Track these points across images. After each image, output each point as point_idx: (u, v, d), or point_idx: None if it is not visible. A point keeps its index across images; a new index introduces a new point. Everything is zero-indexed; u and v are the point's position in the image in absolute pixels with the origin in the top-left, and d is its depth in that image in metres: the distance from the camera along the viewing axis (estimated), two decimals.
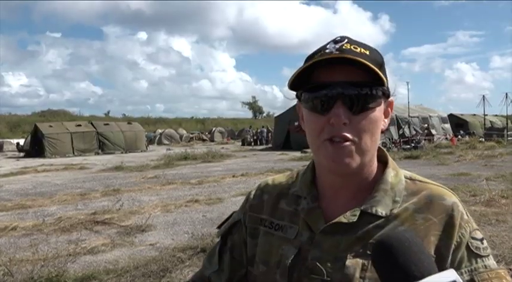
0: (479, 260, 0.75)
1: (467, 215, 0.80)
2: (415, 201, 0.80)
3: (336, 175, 0.82)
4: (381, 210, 0.79)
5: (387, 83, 0.80)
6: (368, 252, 0.75)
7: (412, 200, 0.81)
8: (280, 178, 0.99)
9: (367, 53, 0.77)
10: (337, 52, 0.76)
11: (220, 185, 10.90)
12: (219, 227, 1.02)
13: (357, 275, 0.75)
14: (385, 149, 0.88)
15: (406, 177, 0.85)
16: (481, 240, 0.78)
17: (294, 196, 0.90)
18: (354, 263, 0.76)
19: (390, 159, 0.87)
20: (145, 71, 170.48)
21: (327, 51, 0.77)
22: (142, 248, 5.46)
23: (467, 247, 0.76)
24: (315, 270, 0.79)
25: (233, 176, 12.24)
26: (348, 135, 0.75)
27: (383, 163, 0.87)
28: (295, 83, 0.81)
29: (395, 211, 0.79)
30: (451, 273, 0.51)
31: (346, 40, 0.79)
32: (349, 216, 0.79)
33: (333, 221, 0.80)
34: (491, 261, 0.76)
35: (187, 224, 6.71)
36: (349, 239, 0.78)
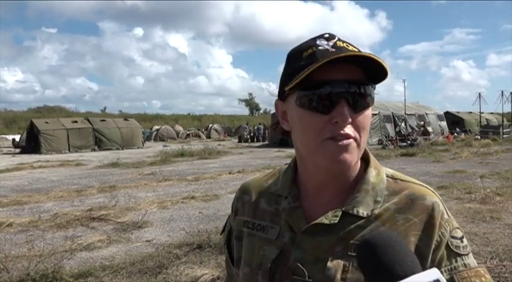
0: (458, 258, 0.75)
1: (447, 214, 0.79)
2: (396, 201, 0.80)
3: (329, 173, 0.81)
4: (362, 211, 0.78)
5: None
6: (349, 253, 0.75)
7: (393, 199, 0.80)
8: (261, 177, 0.97)
9: (356, 50, 0.76)
10: (333, 50, 0.74)
11: (216, 181, 10.91)
12: (222, 233, 1.03)
13: (338, 276, 0.74)
14: (367, 148, 0.87)
15: (388, 176, 0.84)
16: (461, 238, 0.78)
17: (275, 195, 0.89)
18: (335, 264, 0.75)
19: (372, 158, 0.86)
20: (141, 67, 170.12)
21: (321, 48, 0.75)
22: (138, 245, 5.47)
23: (447, 246, 0.76)
24: (296, 272, 0.78)
25: (229, 173, 12.24)
26: (351, 133, 0.75)
27: (365, 161, 0.86)
28: (286, 81, 0.78)
29: (376, 211, 0.79)
30: (434, 272, 0.52)
31: (336, 37, 0.78)
32: (330, 217, 0.78)
33: (314, 222, 0.79)
34: (470, 260, 0.76)
35: (184, 221, 6.72)
36: (330, 239, 0.78)
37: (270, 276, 0.81)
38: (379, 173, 0.84)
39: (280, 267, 0.80)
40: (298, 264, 0.78)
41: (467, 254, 0.76)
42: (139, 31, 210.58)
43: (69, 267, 4.48)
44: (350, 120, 0.74)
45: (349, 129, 0.74)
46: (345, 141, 0.75)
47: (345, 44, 0.76)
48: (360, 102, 0.75)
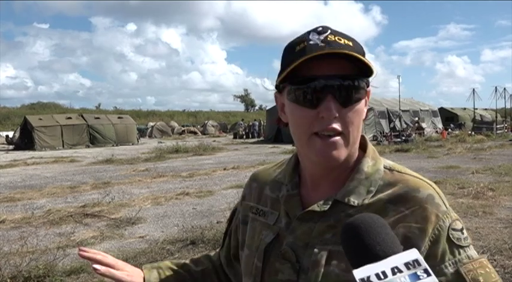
0: (461, 250, 0.74)
1: (445, 206, 0.78)
2: (389, 193, 0.80)
3: (322, 167, 0.82)
4: (354, 200, 0.80)
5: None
6: (337, 240, 0.75)
7: (387, 190, 0.80)
8: (271, 166, 1.02)
9: (351, 44, 0.76)
10: (323, 44, 0.75)
11: (211, 177, 10.91)
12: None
13: (323, 262, 0.76)
14: (366, 136, 0.88)
15: (385, 167, 0.84)
16: (461, 230, 0.77)
17: (278, 183, 0.92)
18: (321, 250, 0.78)
19: (369, 148, 0.87)
20: (134, 63, 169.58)
21: (311, 43, 0.76)
22: (131, 241, 5.46)
23: (448, 239, 0.74)
24: (286, 255, 0.81)
25: (224, 169, 12.25)
26: (338, 128, 0.75)
27: (364, 151, 0.87)
28: (279, 74, 0.80)
29: (367, 201, 0.79)
30: (413, 253, 0.53)
31: (329, 31, 0.78)
32: (321, 205, 0.80)
33: (307, 209, 0.82)
34: (472, 251, 0.75)
35: (177, 217, 6.72)
36: (321, 226, 0.80)
37: (265, 258, 0.85)
38: (376, 163, 0.84)
39: (274, 250, 0.84)
40: (289, 249, 0.81)
41: (468, 246, 0.75)
42: (131, 26, 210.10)
43: (62, 264, 4.46)
44: (337, 115, 0.75)
45: (336, 124, 0.75)
46: (331, 139, 0.76)
47: (336, 38, 0.76)
48: (348, 96, 0.76)
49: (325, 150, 0.76)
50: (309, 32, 0.79)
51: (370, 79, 0.80)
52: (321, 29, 0.79)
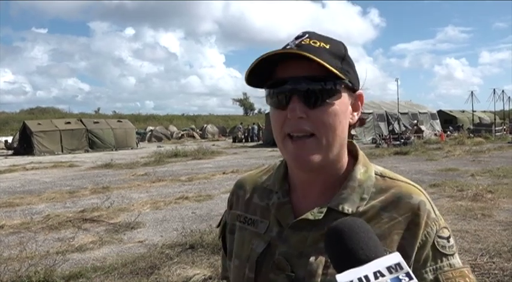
0: (444, 258, 0.75)
1: (434, 213, 0.79)
2: (383, 199, 0.80)
3: (301, 172, 0.82)
4: (348, 208, 0.79)
5: (352, 76, 0.80)
6: None
7: (379, 197, 0.80)
8: (256, 173, 0.99)
9: (327, 47, 0.77)
10: (296, 48, 0.75)
11: (210, 181, 10.90)
12: (218, 226, 1.04)
13: (320, 271, 0.75)
14: (356, 143, 0.88)
15: (376, 174, 0.84)
16: (448, 238, 0.78)
17: (267, 190, 0.90)
18: (317, 259, 0.76)
19: (361, 155, 0.86)
20: (132, 67, 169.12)
21: (288, 47, 0.77)
22: (130, 245, 5.46)
23: (433, 246, 0.76)
24: (280, 265, 0.80)
25: (223, 173, 12.24)
26: (306, 127, 0.75)
27: (354, 158, 0.86)
28: (263, 79, 0.81)
29: (361, 209, 0.79)
30: (395, 256, 0.54)
31: (306, 35, 0.79)
32: (315, 213, 0.79)
33: (300, 217, 0.80)
34: (456, 260, 0.76)
35: (177, 221, 6.71)
36: (315, 235, 0.78)
37: (257, 269, 0.82)
38: (368, 170, 0.84)
39: (266, 260, 0.82)
40: (283, 258, 0.79)
41: (452, 254, 0.76)
42: (129, 31, 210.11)
43: (61, 269, 4.45)
44: (303, 115, 0.75)
45: (304, 125, 0.75)
46: (300, 141, 0.76)
47: (311, 41, 0.77)
48: (315, 98, 0.75)
49: (297, 153, 0.76)
50: (293, 38, 0.81)
51: (348, 83, 0.79)
52: (300, 34, 0.80)
